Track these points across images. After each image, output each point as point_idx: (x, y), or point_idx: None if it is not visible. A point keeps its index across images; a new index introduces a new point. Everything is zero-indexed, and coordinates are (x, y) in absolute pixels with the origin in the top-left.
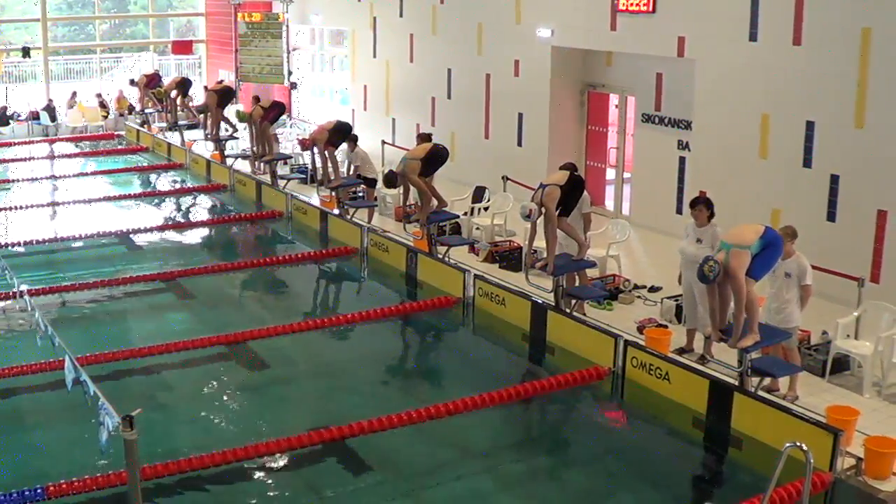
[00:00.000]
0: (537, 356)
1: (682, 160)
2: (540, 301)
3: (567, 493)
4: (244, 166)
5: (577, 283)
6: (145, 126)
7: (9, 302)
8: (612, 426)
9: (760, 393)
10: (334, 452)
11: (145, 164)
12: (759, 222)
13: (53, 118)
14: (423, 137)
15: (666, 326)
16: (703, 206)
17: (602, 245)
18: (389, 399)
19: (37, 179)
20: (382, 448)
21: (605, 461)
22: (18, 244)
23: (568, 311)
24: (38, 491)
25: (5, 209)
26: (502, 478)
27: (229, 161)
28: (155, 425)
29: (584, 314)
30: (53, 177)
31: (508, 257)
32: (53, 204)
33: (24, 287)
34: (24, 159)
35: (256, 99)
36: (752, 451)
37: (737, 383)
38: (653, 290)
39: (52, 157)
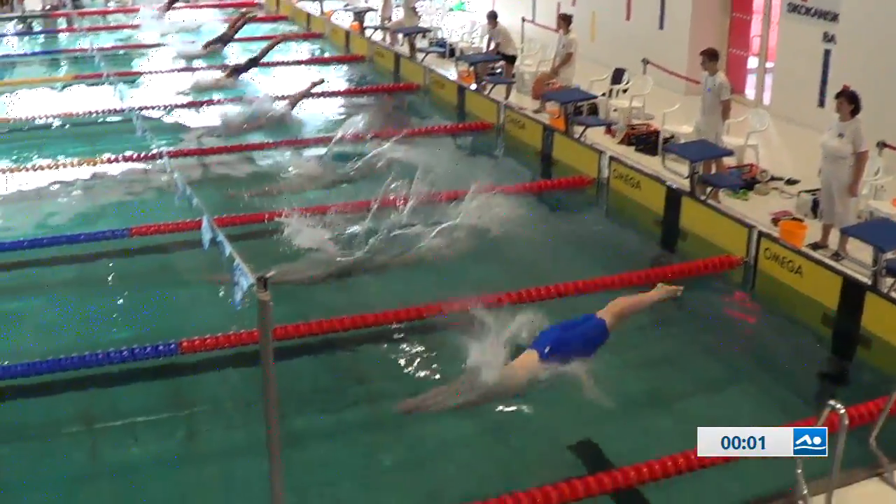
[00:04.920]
0: (669, 241)
1: (826, 52)
2: (675, 186)
3: (688, 377)
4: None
5: (713, 171)
6: None
7: (149, 163)
8: (740, 316)
9: (894, 294)
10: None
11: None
12: None
13: None
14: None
15: (801, 220)
16: (844, 99)
17: (741, 134)
18: (518, 275)
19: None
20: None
21: (731, 350)
22: (158, 107)
23: (703, 198)
24: (172, 346)
25: (146, 73)
26: (625, 361)
27: (368, 32)
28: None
29: (719, 202)
30: (193, 43)
31: (645, 140)
32: (194, 69)
33: (164, 148)
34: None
35: None
36: (881, 351)
37: (870, 282)
38: (790, 182)
39: (195, 23)
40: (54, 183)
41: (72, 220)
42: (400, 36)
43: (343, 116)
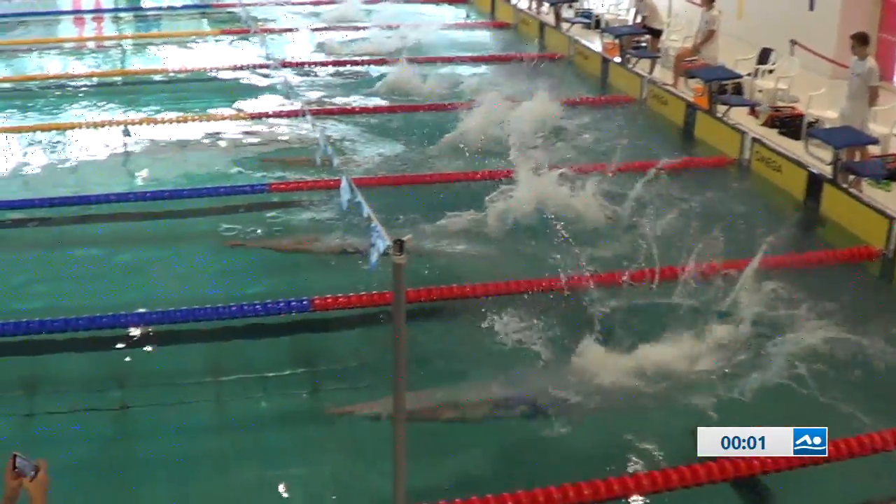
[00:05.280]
0: (808, 227)
1: None
2: (817, 172)
3: (819, 369)
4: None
5: (857, 159)
6: None
7: (292, 120)
8: (876, 309)
9: None
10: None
11: None
12: None
13: None
14: None
15: None
16: None
17: (887, 122)
18: (648, 253)
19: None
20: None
21: (863, 344)
22: (303, 65)
23: (845, 185)
24: (304, 303)
25: (292, 30)
26: (753, 350)
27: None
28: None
29: (861, 191)
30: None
31: (789, 123)
32: (335, 28)
33: (306, 106)
34: None
35: None
36: None
37: None
38: None
39: None
40: (197, 135)
41: (213, 173)
42: (546, 5)
43: (485, 83)
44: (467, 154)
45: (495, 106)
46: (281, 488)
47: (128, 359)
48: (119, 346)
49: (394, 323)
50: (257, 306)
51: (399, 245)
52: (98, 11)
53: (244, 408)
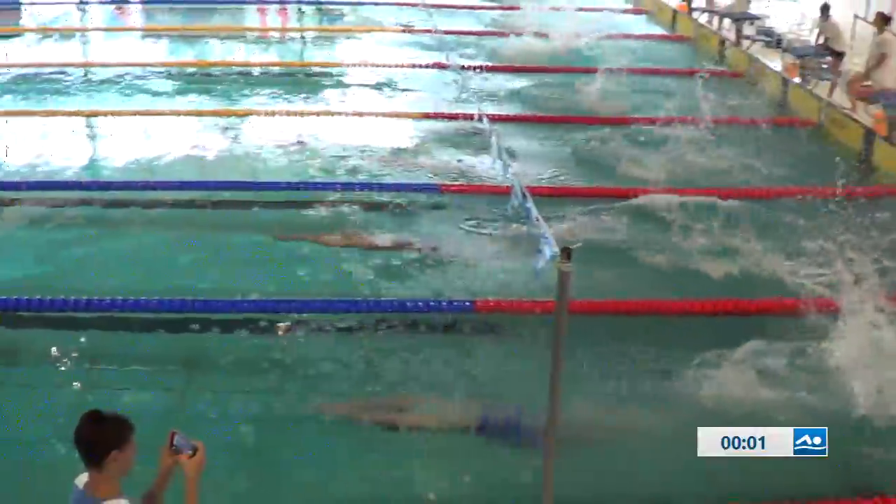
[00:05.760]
0: None
1: None
2: None
3: None
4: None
5: None
6: None
7: (468, 123)
8: None
9: None
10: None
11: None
12: None
13: None
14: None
15: None
16: None
17: None
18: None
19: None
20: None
21: None
22: (483, 68)
23: None
24: (467, 304)
25: (471, 33)
26: None
27: (695, 14)
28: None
29: None
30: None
31: None
32: (515, 33)
33: (484, 111)
34: None
35: None
36: None
37: None
38: None
39: None
40: (372, 131)
41: (383, 169)
42: (727, 21)
43: (663, 97)
44: (638, 170)
45: (671, 121)
46: (425, 484)
47: (285, 343)
48: (277, 331)
49: (555, 330)
50: (419, 303)
51: (567, 253)
52: (282, 2)
53: None
